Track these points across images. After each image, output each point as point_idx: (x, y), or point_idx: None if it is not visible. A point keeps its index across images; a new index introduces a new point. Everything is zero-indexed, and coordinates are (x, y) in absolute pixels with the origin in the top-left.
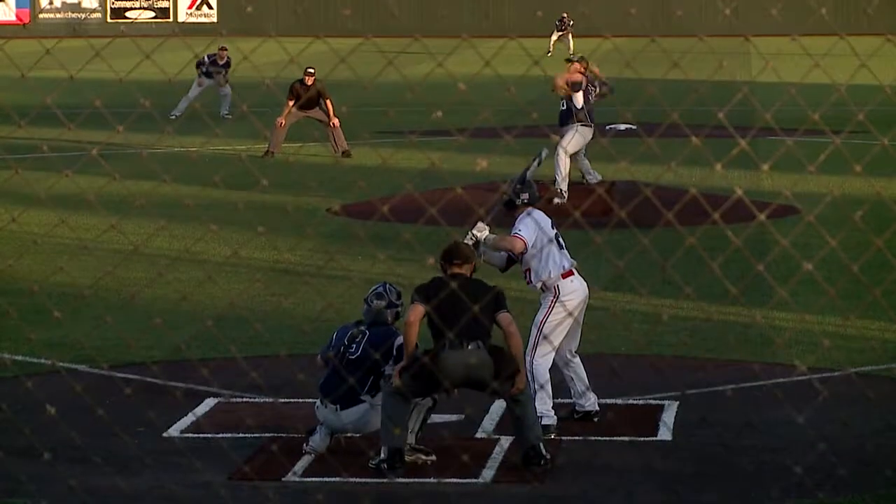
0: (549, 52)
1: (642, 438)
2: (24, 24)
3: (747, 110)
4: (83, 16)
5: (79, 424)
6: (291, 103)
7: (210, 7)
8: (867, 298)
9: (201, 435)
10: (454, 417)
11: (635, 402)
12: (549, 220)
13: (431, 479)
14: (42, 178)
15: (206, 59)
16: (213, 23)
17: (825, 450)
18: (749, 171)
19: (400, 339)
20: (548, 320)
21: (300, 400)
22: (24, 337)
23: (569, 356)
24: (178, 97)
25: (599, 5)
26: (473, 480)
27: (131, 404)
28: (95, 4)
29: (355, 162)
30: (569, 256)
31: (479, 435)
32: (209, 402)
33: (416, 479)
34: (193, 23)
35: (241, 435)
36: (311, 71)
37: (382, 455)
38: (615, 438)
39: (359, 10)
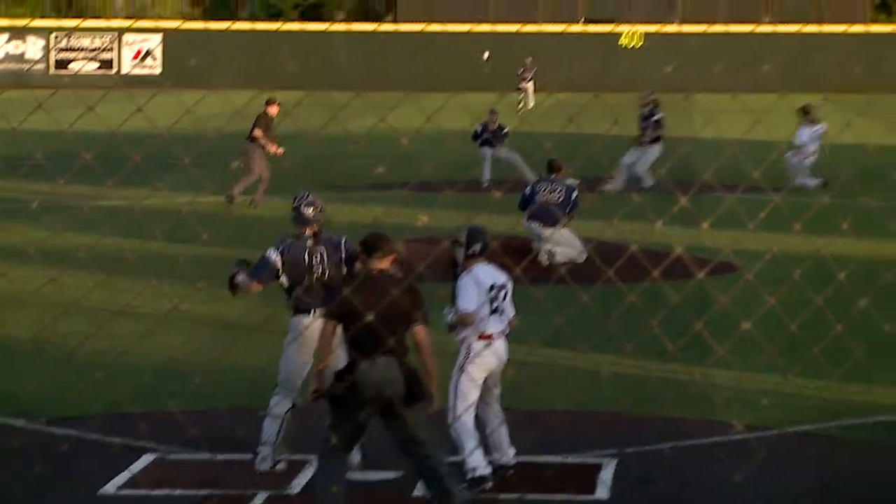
0: (525, 106)
1: (580, 496)
2: None
3: (689, 167)
4: (27, 66)
5: (15, 480)
6: (261, 132)
7: (154, 59)
8: (806, 356)
9: (138, 491)
10: (392, 474)
11: (573, 459)
12: (493, 277)
13: None
14: None
15: (478, 128)
16: (157, 75)
17: None
18: (690, 228)
19: (346, 240)
20: (460, 381)
21: (239, 456)
22: None
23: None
24: (122, 149)
25: (543, 60)
26: None
27: (69, 460)
28: (39, 55)
29: None
30: (499, 320)
31: (416, 493)
32: (147, 458)
33: None
34: (137, 75)
35: (178, 492)
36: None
37: None
38: (552, 496)
39: (303, 63)
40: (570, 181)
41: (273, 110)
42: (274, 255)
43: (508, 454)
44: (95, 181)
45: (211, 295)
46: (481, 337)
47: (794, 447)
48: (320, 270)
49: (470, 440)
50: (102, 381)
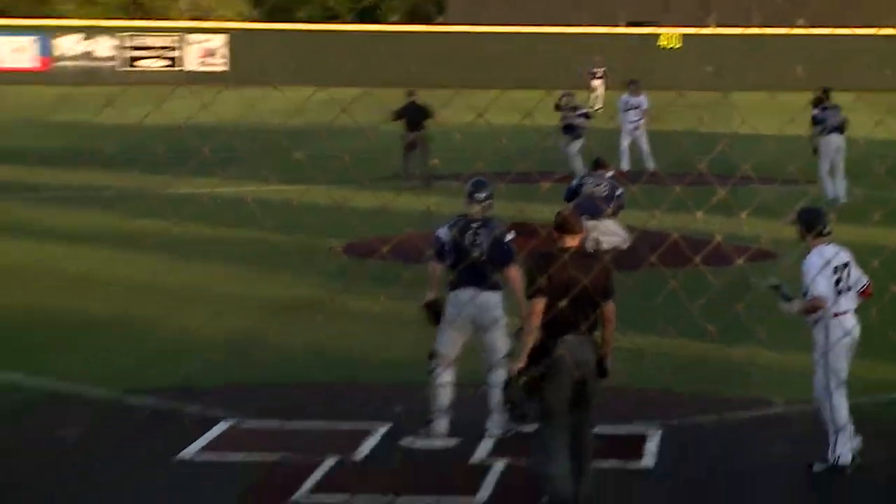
0: (594, 105)
1: (628, 464)
2: (43, 72)
3: (728, 161)
4: (98, 64)
5: (97, 445)
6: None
7: (219, 57)
8: None
9: (214, 456)
10: (452, 442)
11: (621, 432)
12: (838, 257)
13: (431, 498)
14: (57, 214)
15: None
16: (222, 72)
17: (799, 475)
18: (729, 218)
19: (510, 235)
20: (830, 361)
21: (307, 424)
22: (49, 364)
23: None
24: (188, 142)
25: (588, 63)
26: (471, 498)
27: (147, 428)
28: (111, 52)
29: (357, 205)
30: (850, 297)
31: (475, 458)
32: (222, 426)
33: (417, 497)
34: (203, 72)
35: (251, 457)
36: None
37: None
38: (603, 463)
39: (360, 62)
40: (610, 173)
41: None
42: (444, 234)
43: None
44: (165, 172)
45: (274, 278)
46: (836, 315)
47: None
48: (479, 252)
49: (843, 426)
50: (176, 357)
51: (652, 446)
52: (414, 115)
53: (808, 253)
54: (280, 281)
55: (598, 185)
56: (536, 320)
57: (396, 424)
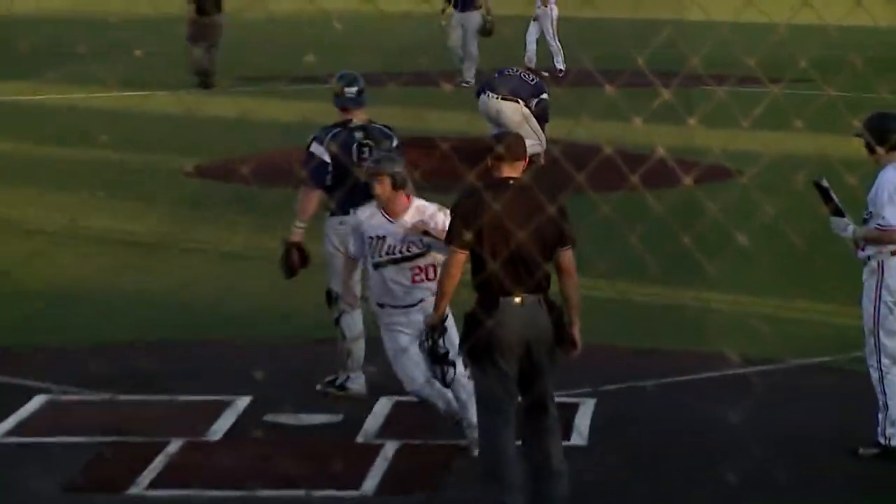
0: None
1: None
2: None
3: (672, 54)
4: None
5: None
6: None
7: None
8: (810, 276)
9: (29, 439)
10: (332, 418)
11: None
12: None
13: (301, 492)
14: None
15: None
16: None
17: (761, 453)
18: (674, 126)
19: (396, 141)
20: (879, 312)
21: (146, 396)
22: None
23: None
24: (7, 35)
25: None
26: (353, 493)
27: None
28: None
29: (212, 114)
30: None
31: (359, 439)
32: (39, 399)
33: (285, 492)
34: None
35: (76, 439)
36: None
37: None
38: (517, 443)
39: None
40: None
41: None
42: (320, 150)
43: None
44: None
45: (113, 207)
46: (894, 253)
47: (797, 382)
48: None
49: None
50: None
51: (583, 420)
52: None
53: (883, 170)
54: (120, 211)
55: (524, 75)
56: (454, 277)
57: (261, 394)
